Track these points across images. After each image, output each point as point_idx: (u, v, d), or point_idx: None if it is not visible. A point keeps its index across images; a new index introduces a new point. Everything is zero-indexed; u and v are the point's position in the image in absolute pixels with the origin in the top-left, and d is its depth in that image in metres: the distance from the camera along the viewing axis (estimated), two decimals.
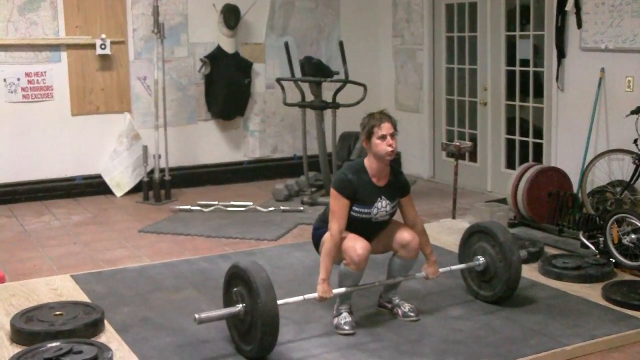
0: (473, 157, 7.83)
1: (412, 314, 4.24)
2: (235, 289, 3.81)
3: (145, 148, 7.51)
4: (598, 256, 5.12)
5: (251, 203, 6.98)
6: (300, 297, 4.00)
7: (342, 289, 4.06)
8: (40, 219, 6.80)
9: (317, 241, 4.21)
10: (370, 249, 4.03)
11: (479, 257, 4.45)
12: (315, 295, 3.98)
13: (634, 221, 4.96)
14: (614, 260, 4.99)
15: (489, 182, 7.72)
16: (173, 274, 5.15)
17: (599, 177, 6.14)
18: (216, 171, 8.25)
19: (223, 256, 5.53)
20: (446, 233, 5.91)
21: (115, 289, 4.85)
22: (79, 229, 6.49)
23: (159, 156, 7.48)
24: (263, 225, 6.43)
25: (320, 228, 4.18)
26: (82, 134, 7.64)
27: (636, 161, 5.66)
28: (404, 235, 4.14)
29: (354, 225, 4.05)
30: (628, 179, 5.77)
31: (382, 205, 4.07)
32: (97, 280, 5.00)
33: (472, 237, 4.56)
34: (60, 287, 4.78)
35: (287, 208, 6.88)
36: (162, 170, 7.50)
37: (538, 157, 7.10)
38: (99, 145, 7.69)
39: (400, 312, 4.27)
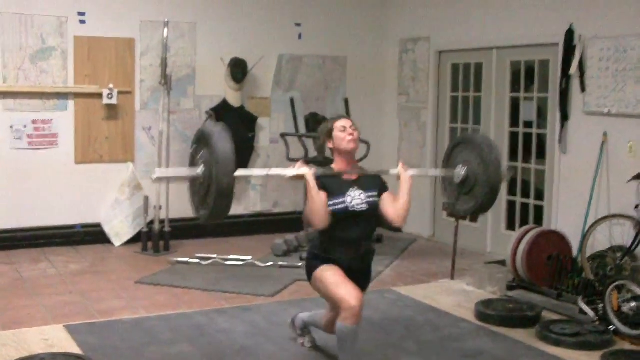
0: (474, 218, 7.80)
1: None
2: (199, 154, 3.78)
3: (146, 199, 7.53)
4: (597, 323, 5.06)
5: (250, 257, 6.95)
6: (264, 170, 4.24)
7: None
8: (37, 267, 6.78)
9: (309, 271, 4.19)
10: (361, 297, 3.95)
11: (459, 166, 4.30)
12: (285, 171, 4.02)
13: (633, 289, 4.91)
14: (613, 328, 4.92)
15: (489, 243, 7.68)
16: (169, 327, 5.11)
17: (600, 241, 6.10)
18: (216, 224, 8.20)
19: (219, 311, 5.49)
20: (445, 294, 5.87)
21: (109, 341, 4.80)
22: (76, 277, 6.46)
23: (160, 207, 7.49)
24: (260, 280, 6.39)
25: (312, 259, 4.16)
26: (85, 182, 7.67)
27: (637, 227, 5.64)
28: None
29: (337, 222, 4.00)
30: (629, 245, 5.73)
31: (355, 195, 4.03)
32: (91, 331, 4.95)
33: (454, 150, 4.43)
34: (52, 338, 4.73)
35: (285, 264, 6.84)
36: (162, 221, 7.50)
37: (539, 220, 7.08)
38: (101, 194, 7.71)
39: None
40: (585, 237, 6.04)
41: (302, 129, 7.41)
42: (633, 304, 4.89)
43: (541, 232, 6.03)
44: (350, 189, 4.03)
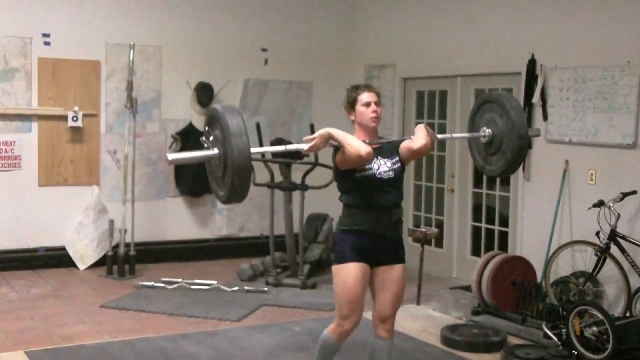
0: (439, 243, 7.87)
1: None
2: (212, 134, 3.65)
3: (111, 222, 7.46)
4: (561, 347, 5.12)
5: (215, 282, 6.91)
6: (281, 147, 3.97)
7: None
8: None
9: (335, 256, 4.04)
10: (358, 322, 3.97)
11: (484, 128, 4.24)
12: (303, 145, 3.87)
13: (595, 314, 4.99)
14: (576, 353, 4.99)
15: (455, 269, 7.74)
16: (133, 352, 5.05)
17: (563, 267, 6.20)
18: (182, 248, 8.18)
19: (184, 335, 5.45)
20: (410, 319, 5.89)
21: None
22: (38, 302, 6.36)
23: (125, 230, 7.42)
24: (226, 305, 6.35)
25: (341, 240, 4.00)
26: (48, 205, 7.58)
27: (598, 253, 5.74)
28: (386, 309, 4.05)
29: (363, 188, 3.95)
30: (590, 270, 5.83)
31: (381, 163, 3.98)
32: (52, 357, 4.88)
33: (477, 114, 4.36)
34: None
35: (251, 288, 6.81)
36: (127, 245, 7.42)
37: (503, 245, 7.16)
38: (65, 217, 7.62)
39: None
40: (548, 262, 6.14)
41: (268, 154, 7.41)
42: (595, 328, 4.97)
43: (506, 258, 6.11)
44: (376, 157, 3.97)
